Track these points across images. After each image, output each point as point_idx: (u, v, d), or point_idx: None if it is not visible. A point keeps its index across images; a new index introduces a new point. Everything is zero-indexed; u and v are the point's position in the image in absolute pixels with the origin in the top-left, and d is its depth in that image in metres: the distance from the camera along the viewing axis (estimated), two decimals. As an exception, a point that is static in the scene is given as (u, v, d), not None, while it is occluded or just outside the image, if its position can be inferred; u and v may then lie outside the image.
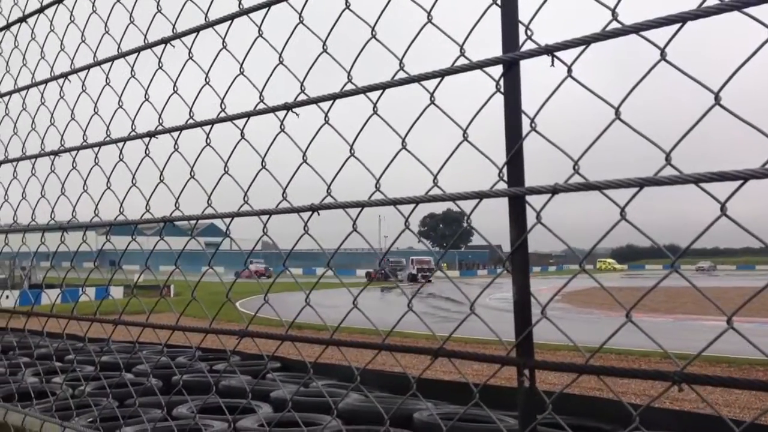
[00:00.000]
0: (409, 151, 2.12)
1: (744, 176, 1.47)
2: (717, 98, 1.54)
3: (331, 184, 2.32)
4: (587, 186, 1.73)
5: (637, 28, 1.69)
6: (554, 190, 1.78)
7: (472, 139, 2.00)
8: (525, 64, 1.94)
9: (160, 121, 2.85)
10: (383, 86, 2.16)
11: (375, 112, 2.19)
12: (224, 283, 2.66)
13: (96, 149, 3.14)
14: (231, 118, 2.57)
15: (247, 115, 2.52)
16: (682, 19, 1.62)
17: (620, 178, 1.69)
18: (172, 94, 2.80)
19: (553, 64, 1.84)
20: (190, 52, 2.77)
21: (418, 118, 2.10)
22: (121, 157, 3.01)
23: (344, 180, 2.43)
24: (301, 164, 2.38)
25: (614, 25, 1.74)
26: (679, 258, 1.66)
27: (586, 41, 1.78)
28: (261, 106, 2.48)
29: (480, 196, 1.93)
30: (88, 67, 3.25)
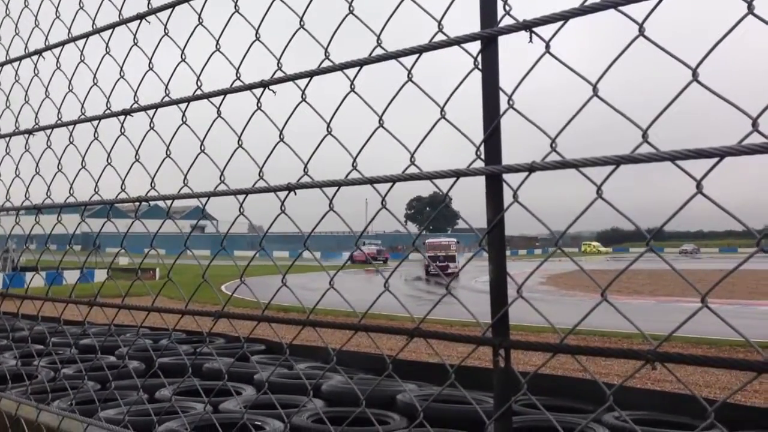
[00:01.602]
0: (386, 129, 2.09)
1: (720, 153, 1.46)
2: (695, 74, 1.52)
3: (308, 162, 2.28)
4: (564, 164, 1.71)
5: (615, 3, 1.67)
6: (531, 168, 1.75)
7: (455, 118, 1.97)
8: (507, 43, 1.92)
9: (136, 99, 2.79)
10: (360, 63, 2.13)
11: (352, 90, 2.16)
12: (201, 265, 2.63)
13: (71, 127, 3.09)
14: (207, 96, 2.52)
15: (224, 92, 2.47)
16: (661, -7, 1.59)
17: (597, 156, 1.67)
18: (147, 71, 2.74)
19: (531, 40, 1.81)
20: (165, 28, 2.72)
21: (395, 96, 2.06)
22: (96, 135, 2.95)
23: (322, 159, 2.39)
24: (278, 143, 2.35)
25: (592, 0, 1.71)
26: (655, 239, 1.64)
27: (564, 17, 1.75)
28: (237, 83, 2.43)
29: (457, 174, 1.90)
30: (62, 44, 3.19)
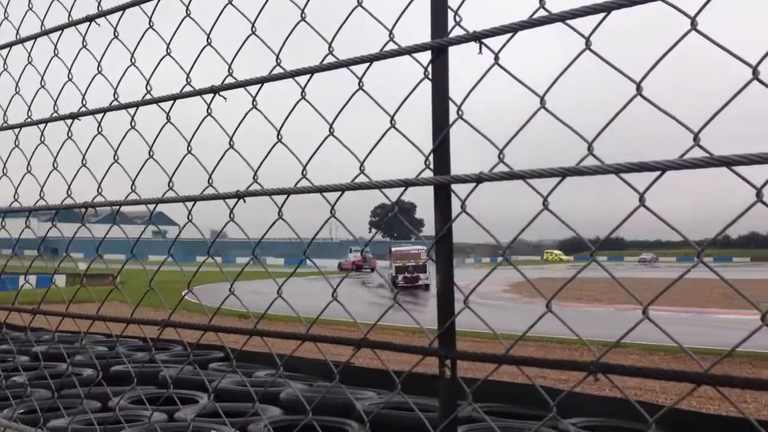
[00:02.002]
0: (335, 137, 2.07)
1: (662, 167, 1.47)
2: (639, 89, 1.53)
3: (257, 170, 2.25)
4: (512, 175, 1.71)
5: (563, 17, 1.68)
6: (479, 179, 1.75)
7: (407, 128, 1.96)
8: (461, 54, 1.91)
9: (84, 103, 2.73)
10: (311, 70, 2.11)
11: (303, 97, 2.14)
12: (147, 271, 2.57)
13: (17, 131, 3.01)
14: (156, 101, 2.48)
15: (173, 98, 2.43)
16: (607, 8, 1.61)
17: (544, 167, 1.67)
18: (96, 75, 2.69)
19: (480, 51, 1.81)
20: (115, 31, 2.66)
21: (345, 104, 2.05)
22: (42, 139, 2.88)
23: (274, 166, 2.37)
24: (227, 149, 2.31)
25: (541, 12, 1.72)
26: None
27: (513, 29, 1.76)
28: (188, 89, 2.39)
29: (406, 184, 1.90)
30: (9, 45, 3.11)
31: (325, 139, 2.10)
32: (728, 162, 1.36)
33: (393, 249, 53.07)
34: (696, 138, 1.42)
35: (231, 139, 2.32)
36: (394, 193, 1.98)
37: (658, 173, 1.48)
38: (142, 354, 9.90)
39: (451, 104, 1.87)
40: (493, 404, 7.54)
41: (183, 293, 2.38)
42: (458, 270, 1.94)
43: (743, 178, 1.36)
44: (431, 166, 1.88)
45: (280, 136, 2.22)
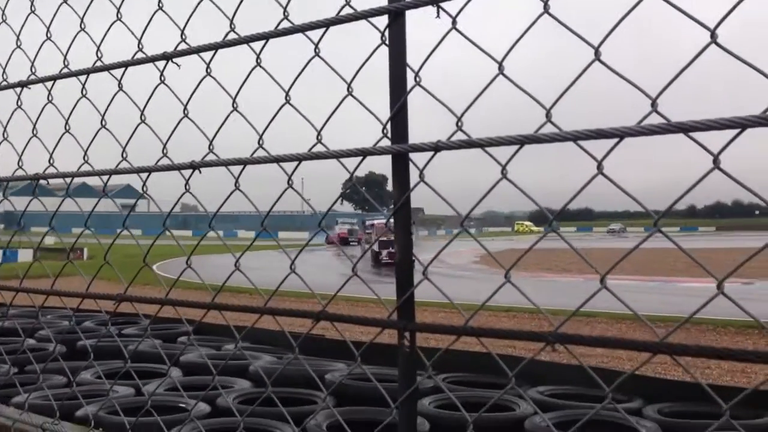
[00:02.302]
0: (292, 106, 2.02)
1: (620, 134, 1.44)
2: (597, 53, 1.50)
3: (212, 140, 2.19)
4: (469, 143, 1.67)
5: (521, -21, 1.63)
6: (437, 148, 1.72)
7: (371, 99, 1.91)
8: (420, 19, 1.86)
9: (33, 70, 2.63)
10: (266, 36, 2.04)
11: (258, 64, 2.07)
12: (102, 245, 2.51)
13: (-35, 100, 2.89)
14: (107, 68, 2.39)
15: (125, 65, 2.35)
16: (567, -30, 1.57)
17: (502, 135, 1.64)
18: (45, 41, 2.58)
19: (438, 15, 1.76)
20: (64, -5, 2.56)
21: (302, 71, 1.99)
22: (-10, 108, 2.78)
23: (230, 136, 2.30)
24: (182, 119, 2.24)
25: (500, -25, 1.67)
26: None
27: (471, -8, 1.71)
28: (139, 55, 2.31)
29: (363, 153, 1.85)
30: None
31: (281, 107, 2.04)
32: (685, 128, 1.34)
33: (374, 222, 45.95)
34: (654, 104, 1.40)
35: (185, 107, 2.25)
36: (355, 164, 1.94)
37: (616, 140, 1.46)
38: (111, 329, 9.80)
39: (409, 71, 1.82)
40: (461, 374, 7.61)
41: (140, 267, 2.32)
42: (430, 242, 1.91)
43: (700, 145, 1.34)
44: (389, 135, 1.84)
45: (235, 105, 2.16)
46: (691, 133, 1.35)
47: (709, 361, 12.34)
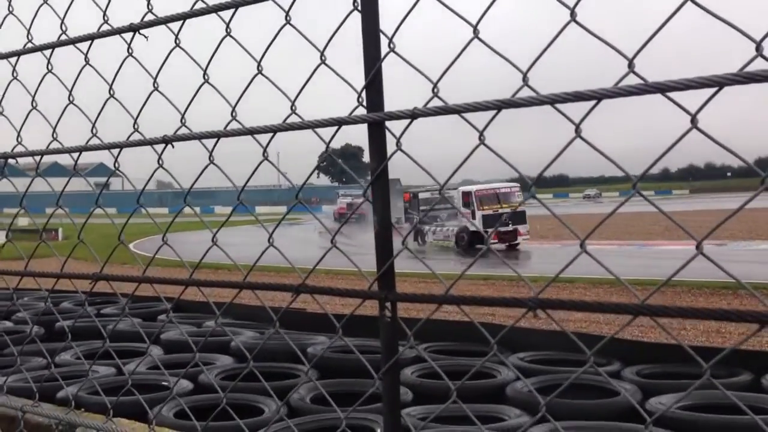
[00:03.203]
0: (265, 76, 1.98)
1: (598, 95, 1.43)
2: (572, 14, 1.48)
3: (184, 113, 2.14)
4: (446, 110, 1.65)
5: (495, -59, 1.60)
6: (413, 115, 1.69)
7: (343, 66, 1.87)
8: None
9: (-5, 46, 2.55)
10: (236, 4, 1.99)
11: (228, 34, 2.02)
12: (75, 224, 2.46)
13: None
14: (73, 42, 2.32)
15: (91, 38, 2.28)
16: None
17: (479, 101, 1.62)
18: (7, 15, 2.50)
19: (411, -20, 1.72)
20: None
21: (273, 39, 1.94)
22: (-48, 86, 2.69)
23: (203, 111, 2.26)
24: (152, 92, 2.19)
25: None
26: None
27: (444, -45, 1.67)
28: (105, 27, 2.25)
29: (339, 123, 1.82)
30: None
31: (254, 77, 2.00)
32: (662, 88, 1.33)
33: (471, 189, 32.69)
34: (630, 65, 1.38)
35: (155, 80, 2.20)
36: (331, 135, 1.91)
37: (594, 102, 1.44)
38: (89, 309, 9.73)
39: (383, 38, 1.79)
40: (443, 343, 7.67)
41: (115, 245, 2.28)
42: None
43: (678, 105, 1.33)
44: (364, 104, 1.81)
45: (206, 77, 2.11)
46: (668, 94, 1.34)
47: (685, 322, 12.49)
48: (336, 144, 2.02)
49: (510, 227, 30.85)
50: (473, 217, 31.61)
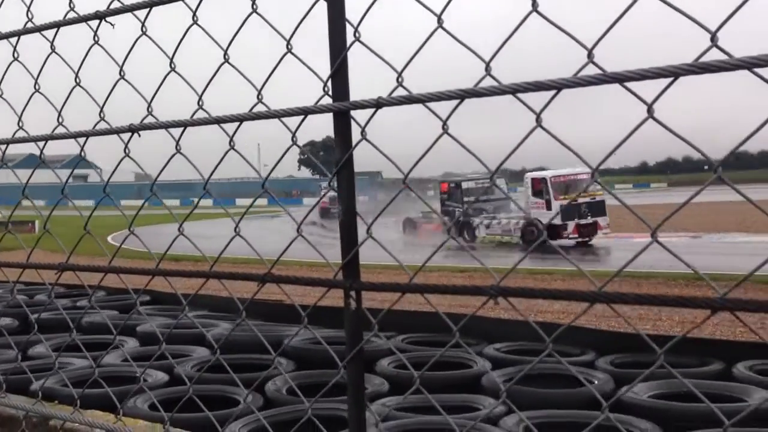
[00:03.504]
0: (231, 65, 1.97)
1: (558, 85, 1.44)
2: (534, 5, 1.49)
3: (151, 101, 2.13)
4: (410, 99, 1.65)
5: (459, -70, 1.60)
6: (378, 104, 1.69)
7: (311, 55, 1.87)
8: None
9: (-40, 34, 2.51)
10: (202, -7, 1.98)
11: (195, 22, 2.01)
12: (41, 216, 2.44)
13: None
14: (39, 29, 2.30)
15: (57, 25, 2.26)
16: None
17: (442, 90, 1.63)
18: (-29, 3, 2.47)
19: (376, -30, 1.72)
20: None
21: (240, 28, 1.94)
22: None
23: (169, 101, 2.24)
24: (118, 80, 2.17)
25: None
26: (496, 176, 1.62)
27: (409, -56, 1.67)
28: (72, 15, 2.22)
29: (305, 112, 1.82)
30: None
31: (220, 66, 1.99)
32: (620, 78, 1.34)
33: (548, 176, 28.04)
34: (590, 55, 1.40)
35: (121, 69, 2.18)
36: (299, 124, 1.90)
37: (554, 92, 1.45)
38: (64, 301, 9.64)
39: (349, 27, 1.79)
40: (421, 335, 7.71)
41: (80, 236, 2.26)
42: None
43: (634, 94, 1.34)
44: (330, 93, 1.81)
45: (173, 65, 2.09)
46: (626, 84, 1.36)
47: (661, 313, 12.59)
48: (318, 136, 2.01)
49: (589, 219, 26.76)
50: (548, 208, 26.79)
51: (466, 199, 30.91)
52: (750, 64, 1.22)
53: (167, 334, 4.21)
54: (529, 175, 28.65)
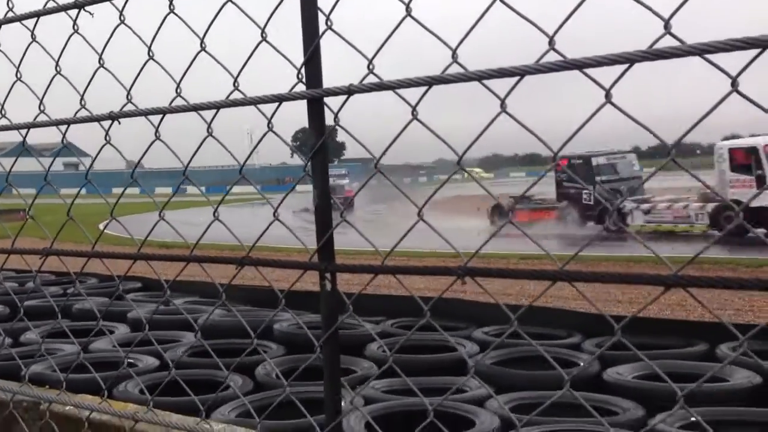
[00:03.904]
0: (208, 53, 2.01)
1: (521, 72, 1.49)
2: (497, -6, 1.53)
3: (130, 89, 2.17)
4: (381, 86, 1.70)
5: None
6: (349, 91, 1.74)
7: (288, 43, 1.91)
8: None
9: (-59, 23, 2.53)
10: (178, -18, 2.01)
11: (171, 11, 2.04)
12: (25, 204, 2.47)
13: None
14: (19, 19, 2.33)
15: (36, 14, 2.28)
16: None
17: (411, 77, 1.67)
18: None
19: (347, -42, 1.76)
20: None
21: (215, 17, 1.97)
22: None
23: (149, 89, 2.27)
24: (98, 69, 2.21)
25: None
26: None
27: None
28: (51, 4, 2.25)
29: (279, 99, 1.86)
30: None
31: (197, 54, 2.02)
32: (579, 65, 1.39)
33: (760, 144, 21.94)
34: (551, 42, 1.44)
35: (101, 57, 2.22)
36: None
37: (517, 78, 1.50)
38: (54, 288, 9.68)
39: (321, 15, 1.82)
40: (410, 319, 7.79)
41: (64, 222, 2.30)
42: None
43: (594, 81, 1.39)
44: (304, 80, 1.85)
45: (151, 53, 2.13)
46: (586, 70, 1.40)
47: (649, 297, 12.62)
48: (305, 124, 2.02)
49: None
50: (761, 184, 20.47)
51: (601, 178, 24.85)
52: (701, 50, 1.27)
53: (149, 319, 4.25)
54: (724, 145, 22.41)
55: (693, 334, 6.78)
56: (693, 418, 4.03)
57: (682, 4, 1.29)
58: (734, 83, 1.23)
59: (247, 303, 9.07)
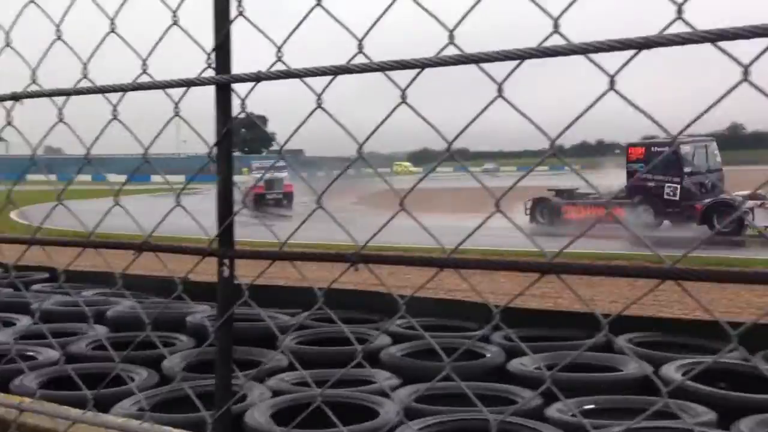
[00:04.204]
0: (118, 35, 1.98)
1: (421, 64, 1.54)
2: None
3: (35, 69, 2.12)
4: (287, 74, 1.72)
5: None
6: (257, 78, 1.75)
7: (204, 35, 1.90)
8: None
9: None
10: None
11: (79, -9, 2.01)
12: None
13: None
14: None
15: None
16: None
17: (319, 66, 1.70)
18: None
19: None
20: None
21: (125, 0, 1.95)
22: None
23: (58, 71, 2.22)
24: (4, 47, 2.16)
25: None
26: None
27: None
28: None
29: (188, 84, 1.86)
30: None
31: (106, 35, 2.00)
32: (475, 59, 1.45)
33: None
34: (450, 36, 1.49)
35: (8, 35, 2.16)
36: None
37: (417, 70, 1.55)
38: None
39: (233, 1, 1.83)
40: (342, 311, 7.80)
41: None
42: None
43: (488, 75, 1.45)
44: (213, 66, 1.85)
45: (59, 33, 2.09)
46: (481, 65, 1.47)
47: (605, 293, 12.84)
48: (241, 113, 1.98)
49: None
50: None
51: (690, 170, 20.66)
52: (715, 36, 1.22)
53: (38, 311, 4.13)
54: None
55: (596, 327, 7.02)
56: (587, 407, 4.22)
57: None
58: (746, 72, 1.19)
59: (162, 294, 8.87)
